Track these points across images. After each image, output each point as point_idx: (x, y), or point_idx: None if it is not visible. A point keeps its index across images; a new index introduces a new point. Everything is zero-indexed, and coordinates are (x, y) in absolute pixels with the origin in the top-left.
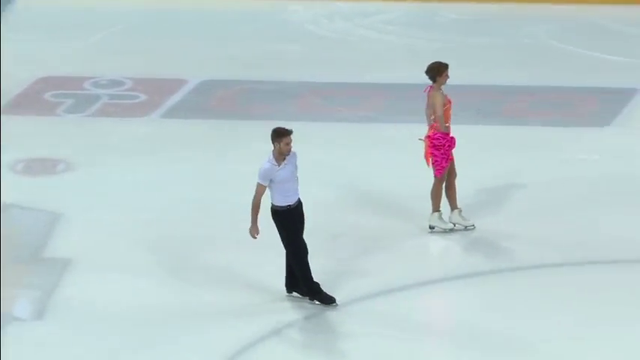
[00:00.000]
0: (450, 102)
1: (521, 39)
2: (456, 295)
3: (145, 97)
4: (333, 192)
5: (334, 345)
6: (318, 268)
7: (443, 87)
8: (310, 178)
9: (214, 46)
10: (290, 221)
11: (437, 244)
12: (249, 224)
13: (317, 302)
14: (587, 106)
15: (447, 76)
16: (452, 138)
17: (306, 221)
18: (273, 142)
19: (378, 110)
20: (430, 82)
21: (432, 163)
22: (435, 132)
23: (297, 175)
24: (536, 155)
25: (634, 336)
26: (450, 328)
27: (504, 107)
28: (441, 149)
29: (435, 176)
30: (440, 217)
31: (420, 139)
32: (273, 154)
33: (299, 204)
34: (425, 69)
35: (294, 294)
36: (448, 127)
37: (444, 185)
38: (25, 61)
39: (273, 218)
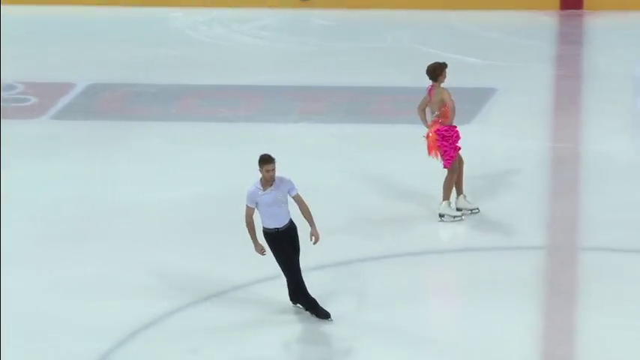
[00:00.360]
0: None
1: (386, 43)
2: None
3: (35, 99)
4: (214, 188)
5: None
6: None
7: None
8: (191, 176)
9: (102, 51)
10: (279, 243)
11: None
12: (127, 219)
13: (314, 316)
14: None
15: (446, 75)
16: (457, 130)
17: (192, 217)
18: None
19: (256, 110)
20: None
21: (441, 155)
22: (442, 125)
23: (289, 198)
24: (402, 151)
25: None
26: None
27: (370, 107)
28: (449, 140)
29: (446, 167)
30: (449, 206)
31: (423, 137)
32: (260, 179)
33: (289, 227)
34: (425, 70)
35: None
36: (444, 121)
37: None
38: None
39: (264, 239)
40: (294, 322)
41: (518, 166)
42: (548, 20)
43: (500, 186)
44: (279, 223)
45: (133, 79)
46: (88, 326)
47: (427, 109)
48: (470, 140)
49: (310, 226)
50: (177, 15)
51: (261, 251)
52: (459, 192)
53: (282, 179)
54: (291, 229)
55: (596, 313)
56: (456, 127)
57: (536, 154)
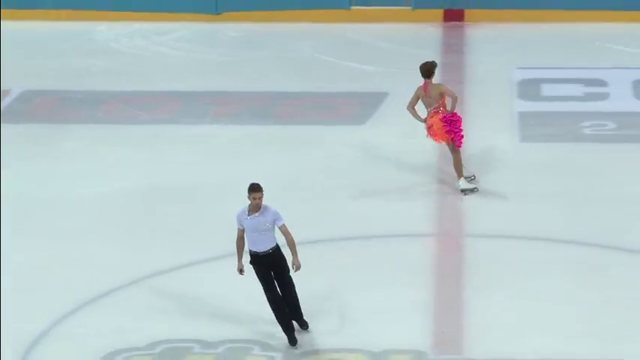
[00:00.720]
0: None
1: (290, 52)
2: None
3: None
4: (139, 184)
5: None
6: None
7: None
8: (118, 173)
9: (35, 61)
10: (257, 266)
11: None
12: (60, 213)
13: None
14: (348, 108)
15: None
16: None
17: (120, 211)
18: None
19: (173, 113)
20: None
21: (453, 138)
22: (444, 114)
23: (274, 226)
24: (305, 150)
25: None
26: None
27: (277, 110)
28: (456, 123)
29: (458, 147)
30: (466, 181)
31: (425, 128)
32: (248, 205)
33: (272, 253)
34: (419, 70)
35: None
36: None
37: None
38: None
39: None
40: (216, 306)
41: (409, 161)
42: (433, 32)
43: (394, 180)
44: (258, 248)
45: (62, 86)
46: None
47: (417, 106)
48: (365, 139)
49: (292, 255)
50: (101, 28)
51: (240, 271)
52: (460, 175)
53: (267, 208)
54: (274, 255)
55: (481, 294)
56: (456, 112)
57: (424, 151)
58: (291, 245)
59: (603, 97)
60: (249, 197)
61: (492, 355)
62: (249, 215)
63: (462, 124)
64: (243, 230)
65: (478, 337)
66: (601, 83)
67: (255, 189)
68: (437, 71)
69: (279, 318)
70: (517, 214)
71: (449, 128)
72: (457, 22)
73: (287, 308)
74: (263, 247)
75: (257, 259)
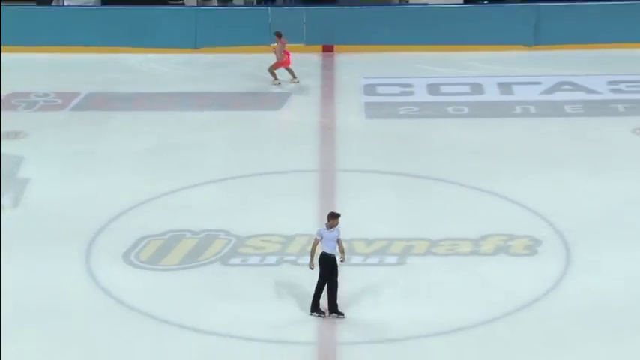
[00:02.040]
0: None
1: (241, 69)
2: None
3: None
4: (155, 143)
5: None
6: None
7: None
8: (141, 137)
9: (93, 76)
10: (325, 264)
11: None
12: (103, 160)
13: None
14: (269, 100)
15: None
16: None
17: (141, 157)
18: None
19: (173, 104)
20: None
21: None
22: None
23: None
24: (246, 125)
25: None
26: None
27: (232, 103)
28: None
29: (286, 64)
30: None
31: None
32: (326, 224)
33: (334, 256)
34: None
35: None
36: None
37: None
38: None
39: (319, 258)
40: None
41: (308, 131)
42: (316, 58)
43: (293, 145)
44: (331, 251)
45: (109, 89)
46: None
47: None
48: (279, 118)
49: (341, 253)
50: (128, 56)
51: (312, 266)
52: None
53: (337, 228)
54: (334, 258)
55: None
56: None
57: (312, 124)
58: (342, 249)
59: (410, 93)
60: (330, 222)
61: None
62: (328, 230)
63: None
64: (319, 240)
65: None
66: (409, 86)
67: (334, 216)
68: (318, 80)
69: (317, 296)
70: (361, 151)
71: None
72: (330, 52)
73: (329, 298)
74: (333, 250)
75: (327, 259)
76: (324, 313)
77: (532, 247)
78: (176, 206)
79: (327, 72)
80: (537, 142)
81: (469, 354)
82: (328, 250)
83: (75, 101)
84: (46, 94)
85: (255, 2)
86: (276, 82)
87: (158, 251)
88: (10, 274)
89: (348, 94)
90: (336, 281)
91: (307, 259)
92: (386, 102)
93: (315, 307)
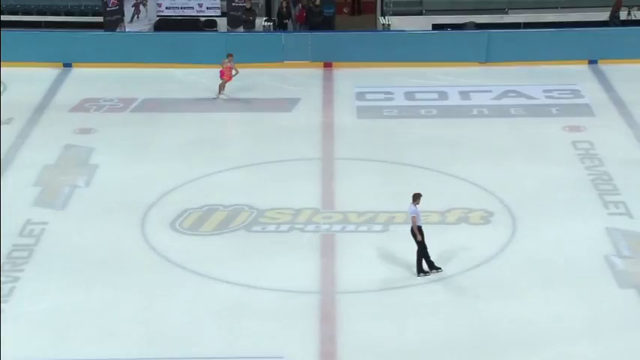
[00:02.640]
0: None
1: (253, 81)
2: None
3: None
4: (196, 137)
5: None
6: None
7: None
8: (188, 134)
9: (146, 86)
10: (421, 233)
11: None
12: (154, 149)
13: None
14: (282, 104)
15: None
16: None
17: (181, 148)
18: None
19: (206, 108)
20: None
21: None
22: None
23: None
24: (262, 124)
25: None
26: None
27: (250, 105)
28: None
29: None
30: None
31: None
32: (414, 203)
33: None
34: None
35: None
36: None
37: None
38: None
39: (419, 230)
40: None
41: (314, 128)
42: (319, 71)
43: (301, 139)
44: (422, 222)
45: (161, 95)
46: None
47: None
48: (291, 118)
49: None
50: (176, 71)
51: (421, 239)
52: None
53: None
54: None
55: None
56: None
57: (316, 123)
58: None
59: (391, 99)
60: (416, 201)
61: None
62: (415, 207)
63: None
64: (417, 216)
65: None
66: (390, 94)
67: (418, 196)
68: (321, 89)
69: (422, 267)
70: (353, 144)
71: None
72: (329, 68)
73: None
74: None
75: (421, 230)
76: (428, 272)
77: (486, 218)
78: (210, 186)
79: (328, 83)
80: (490, 137)
81: (441, 299)
82: (420, 223)
83: (133, 105)
84: (111, 100)
85: (271, 29)
86: (222, 95)
87: (197, 221)
88: (84, 237)
89: (344, 100)
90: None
91: (311, 227)
92: (373, 106)
93: (431, 266)
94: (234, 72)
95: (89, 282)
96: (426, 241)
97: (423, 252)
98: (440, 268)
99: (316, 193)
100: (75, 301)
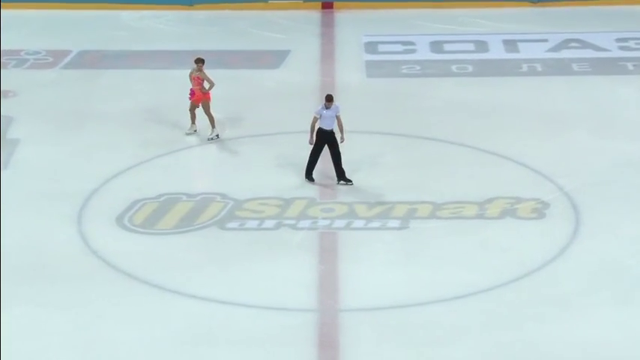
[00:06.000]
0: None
1: (232, 27)
2: None
3: None
4: (145, 102)
5: None
6: None
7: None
8: (131, 95)
9: (85, 33)
10: (320, 139)
11: None
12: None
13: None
14: (267, 59)
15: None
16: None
17: (132, 115)
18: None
19: (166, 62)
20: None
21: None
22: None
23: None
24: (242, 84)
25: None
26: None
27: (225, 61)
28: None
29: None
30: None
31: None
32: (324, 104)
33: (331, 132)
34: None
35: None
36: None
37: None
38: None
39: (317, 135)
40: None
41: (308, 90)
42: (315, 15)
43: (292, 106)
44: (327, 127)
45: (101, 47)
46: None
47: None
48: (278, 77)
49: (340, 132)
50: (124, 13)
51: (311, 142)
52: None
53: (335, 105)
54: (331, 134)
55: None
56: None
57: (313, 83)
58: (341, 126)
59: (412, 51)
60: (325, 103)
61: None
62: (325, 109)
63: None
64: (317, 118)
65: None
66: (411, 44)
67: (331, 99)
68: (317, 38)
69: (309, 165)
70: (361, 111)
71: (200, 96)
72: (329, 9)
73: (335, 167)
74: (330, 127)
75: (322, 135)
76: (313, 180)
77: (540, 211)
78: (171, 168)
79: (327, 29)
80: (543, 102)
81: (473, 321)
82: (325, 127)
83: (66, 59)
84: (36, 52)
85: None
86: (193, 129)
87: (152, 215)
88: (2, 237)
89: (349, 53)
90: (338, 152)
91: (306, 222)
92: (387, 60)
93: (307, 174)
94: (206, 85)
95: (9, 296)
96: (460, 240)
97: (310, 156)
98: (350, 181)
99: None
100: None
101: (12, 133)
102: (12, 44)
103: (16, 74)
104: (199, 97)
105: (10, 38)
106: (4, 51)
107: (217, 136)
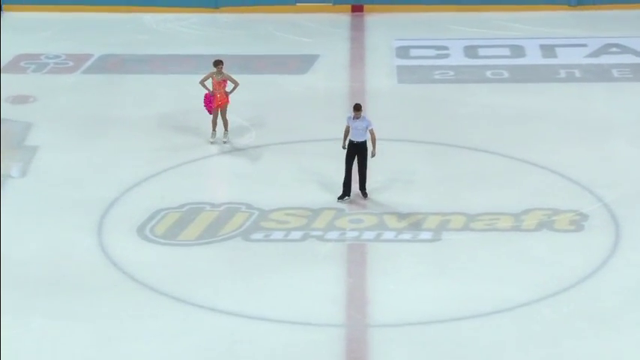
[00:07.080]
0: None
1: (259, 31)
2: None
3: None
4: (171, 107)
5: None
6: None
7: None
8: (155, 101)
9: (107, 37)
10: (350, 150)
11: None
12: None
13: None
14: (294, 63)
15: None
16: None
17: (153, 120)
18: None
19: (190, 67)
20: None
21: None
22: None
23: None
24: (268, 89)
25: None
26: None
27: (252, 65)
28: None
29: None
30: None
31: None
32: (354, 113)
33: (362, 144)
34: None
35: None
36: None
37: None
38: None
39: (348, 145)
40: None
41: (337, 96)
42: (345, 18)
43: (320, 112)
44: (356, 139)
45: (125, 51)
46: None
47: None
48: (306, 83)
49: (372, 146)
50: (147, 17)
51: (343, 146)
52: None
53: (364, 117)
54: (362, 146)
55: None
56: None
57: (342, 89)
58: (373, 140)
59: (446, 56)
60: (354, 112)
61: None
62: (353, 119)
63: (209, 101)
64: (349, 127)
65: None
66: (444, 48)
67: (358, 108)
68: (347, 42)
69: (345, 181)
70: (392, 118)
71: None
72: (359, 12)
73: (359, 175)
74: (359, 138)
75: (352, 146)
76: (350, 196)
77: (578, 223)
78: (194, 176)
79: (357, 33)
80: (582, 109)
81: (509, 337)
82: (353, 138)
83: (87, 64)
84: (56, 56)
85: None
86: (215, 135)
87: (175, 225)
88: (19, 246)
89: (379, 57)
90: (364, 165)
91: (334, 234)
92: (419, 65)
93: (344, 188)
94: (228, 88)
95: (27, 309)
96: (495, 253)
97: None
98: (366, 195)
99: (341, 186)
100: (6, 337)
101: (31, 139)
102: (31, 48)
103: (36, 79)
104: (223, 101)
105: (29, 42)
106: (23, 55)
107: (227, 140)
